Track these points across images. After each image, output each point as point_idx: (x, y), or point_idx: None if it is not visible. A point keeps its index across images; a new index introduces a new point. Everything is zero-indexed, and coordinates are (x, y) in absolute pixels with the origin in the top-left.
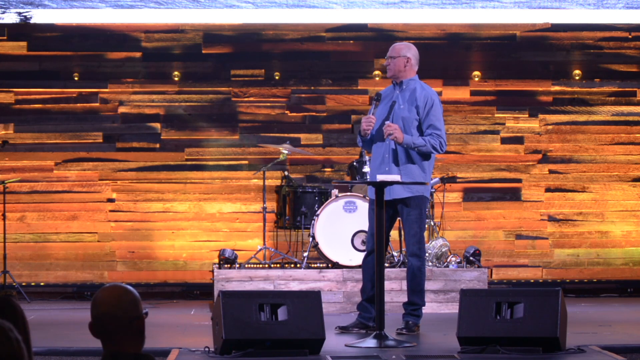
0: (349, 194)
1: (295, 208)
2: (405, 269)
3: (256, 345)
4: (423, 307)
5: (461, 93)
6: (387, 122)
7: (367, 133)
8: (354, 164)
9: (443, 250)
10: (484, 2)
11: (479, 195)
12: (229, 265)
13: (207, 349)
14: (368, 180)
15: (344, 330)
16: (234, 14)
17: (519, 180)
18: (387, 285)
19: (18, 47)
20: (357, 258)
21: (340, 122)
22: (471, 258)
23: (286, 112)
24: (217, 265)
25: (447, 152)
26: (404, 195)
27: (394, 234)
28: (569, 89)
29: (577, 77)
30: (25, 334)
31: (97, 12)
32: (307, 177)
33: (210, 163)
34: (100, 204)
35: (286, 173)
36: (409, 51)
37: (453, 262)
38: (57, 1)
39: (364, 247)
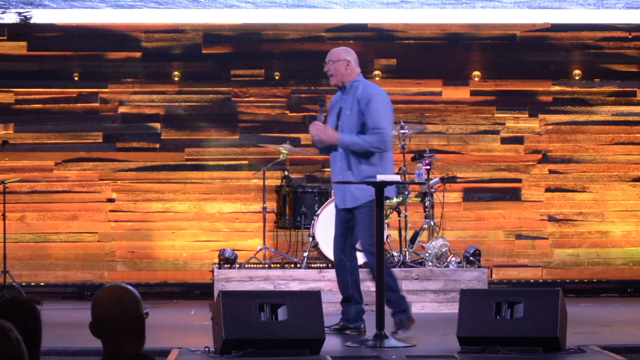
0: None
1: (295, 208)
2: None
3: (256, 345)
4: (406, 299)
5: (461, 93)
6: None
7: (315, 141)
8: None
9: (443, 250)
10: (484, 2)
11: (479, 195)
12: (229, 265)
13: (207, 349)
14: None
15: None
16: (234, 14)
17: (519, 180)
18: None
19: (18, 47)
20: (357, 258)
21: None
22: (471, 258)
23: (286, 112)
24: (217, 265)
25: (447, 152)
26: (361, 202)
27: (393, 234)
28: (569, 89)
29: (577, 77)
30: (35, 338)
31: (97, 12)
32: (307, 177)
33: (210, 163)
34: (100, 204)
35: (286, 173)
36: (348, 54)
37: (453, 262)
38: (57, 1)
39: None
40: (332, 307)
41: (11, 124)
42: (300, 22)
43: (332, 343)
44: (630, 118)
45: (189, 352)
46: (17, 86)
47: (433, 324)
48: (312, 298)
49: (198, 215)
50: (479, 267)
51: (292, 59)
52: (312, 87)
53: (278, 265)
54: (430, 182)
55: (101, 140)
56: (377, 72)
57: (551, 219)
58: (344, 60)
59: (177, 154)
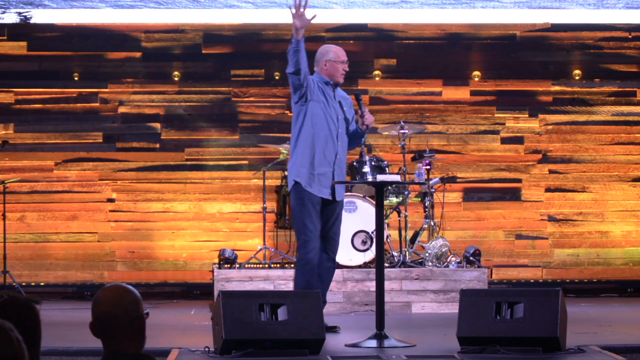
0: (349, 194)
1: None
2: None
3: (256, 345)
4: None
5: (461, 93)
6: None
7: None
8: (354, 164)
9: (443, 250)
10: (484, 2)
11: (479, 195)
12: (229, 265)
13: (207, 349)
14: (369, 180)
15: None
16: (234, 14)
17: (519, 180)
18: (387, 285)
19: (18, 47)
20: (357, 258)
21: None
22: (471, 258)
23: (286, 112)
24: (217, 265)
25: (447, 152)
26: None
27: (393, 234)
28: (569, 89)
29: (577, 77)
30: (35, 338)
31: (97, 12)
32: None
33: (210, 163)
34: (100, 204)
35: (286, 173)
36: None
37: (453, 262)
38: (57, 1)
39: (364, 247)
40: (332, 307)
41: (11, 124)
42: None
43: (332, 343)
44: (630, 118)
45: (189, 352)
46: (17, 86)
47: (433, 324)
48: (312, 298)
49: (198, 215)
50: (479, 267)
51: None
52: None
53: (278, 265)
54: (430, 182)
55: (101, 140)
56: (377, 72)
57: (551, 219)
58: None
59: (177, 154)
